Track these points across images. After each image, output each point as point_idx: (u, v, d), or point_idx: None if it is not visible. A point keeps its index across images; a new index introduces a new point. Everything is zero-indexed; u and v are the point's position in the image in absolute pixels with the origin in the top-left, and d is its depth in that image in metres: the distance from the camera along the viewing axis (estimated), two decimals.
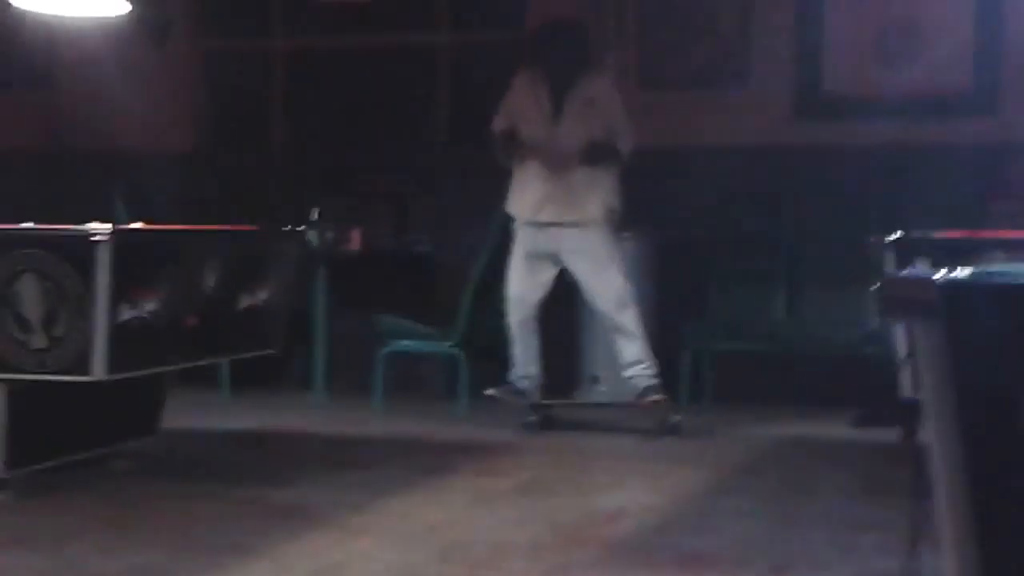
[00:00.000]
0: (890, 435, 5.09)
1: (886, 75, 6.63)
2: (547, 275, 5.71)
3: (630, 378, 5.67)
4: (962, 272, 1.81)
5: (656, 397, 5.60)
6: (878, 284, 1.82)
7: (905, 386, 3.99)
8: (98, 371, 3.96)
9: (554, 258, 5.69)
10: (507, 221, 5.90)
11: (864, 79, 6.67)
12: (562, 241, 5.65)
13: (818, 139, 6.69)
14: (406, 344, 6.48)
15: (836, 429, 5.83)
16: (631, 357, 5.63)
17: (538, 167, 5.65)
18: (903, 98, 6.56)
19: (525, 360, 5.74)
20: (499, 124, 5.74)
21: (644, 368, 5.61)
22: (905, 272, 1.84)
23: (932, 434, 2.02)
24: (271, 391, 6.78)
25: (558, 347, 6.41)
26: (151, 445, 4.89)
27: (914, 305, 1.75)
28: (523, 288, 5.70)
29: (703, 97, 6.86)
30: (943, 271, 1.79)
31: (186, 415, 5.57)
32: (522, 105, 5.74)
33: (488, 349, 6.14)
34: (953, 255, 3.84)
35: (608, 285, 5.60)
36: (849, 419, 5.86)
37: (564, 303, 6.05)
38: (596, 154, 5.60)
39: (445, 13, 7.40)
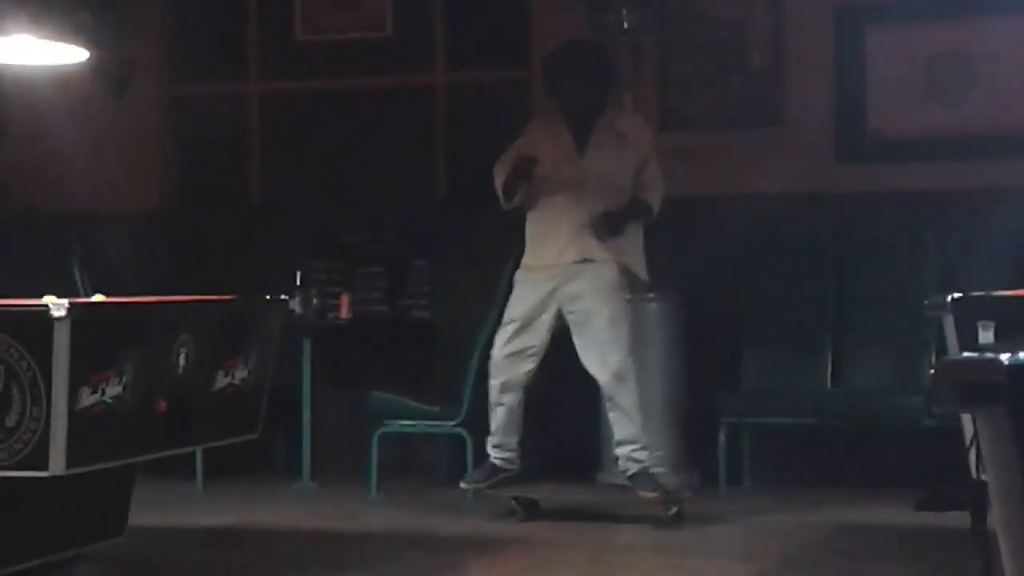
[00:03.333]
0: (957, 519, 5.06)
1: (938, 112, 6.68)
2: (547, 335, 5.72)
3: (617, 458, 5.73)
4: None
5: (649, 494, 5.61)
6: (937, 367, 1.84)
7: (972, 466, 3.98)
8: (56, 465, 3.95)
9: (555, 317, 5.70)
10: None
11: (913, 117, 6.72)
12: (567, 294, 5.67)
13: (863, 185, 6.72)
14: (403, 424, 6.49)
15: (893, 513, 5.81)
16: (622, 435, 5.68)
17: (562, 205, 5.69)
18: (958, 138, 6.61)
19: (506, 428, 5.75)
20: (507, 157, 5.77)
21: (634, 450, 5.64)
22: (968, 354, 1.85)
23: (999, 523, 2.02)
24: (251, 481, 6.77)
25: (578, 423, 6.43)
26: (118, 547, 4.88)
27: (978, 390, 1.76)
28: (517, 345, 5.71)
29: (732, 139, 6.90)
30: (1007, 354, 1.80)
31: (156, 511, 5.57)
32: (538, 142, 5.77)
33: None
34: (1020, 317, 3.87)
35: (607, 356, 5.64)
36: (912, 501, 5.84)
37: (584, 375, 6.06)
38: (614, 221, 5.63)
39: (442, 52, 7.47)
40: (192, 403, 4.58)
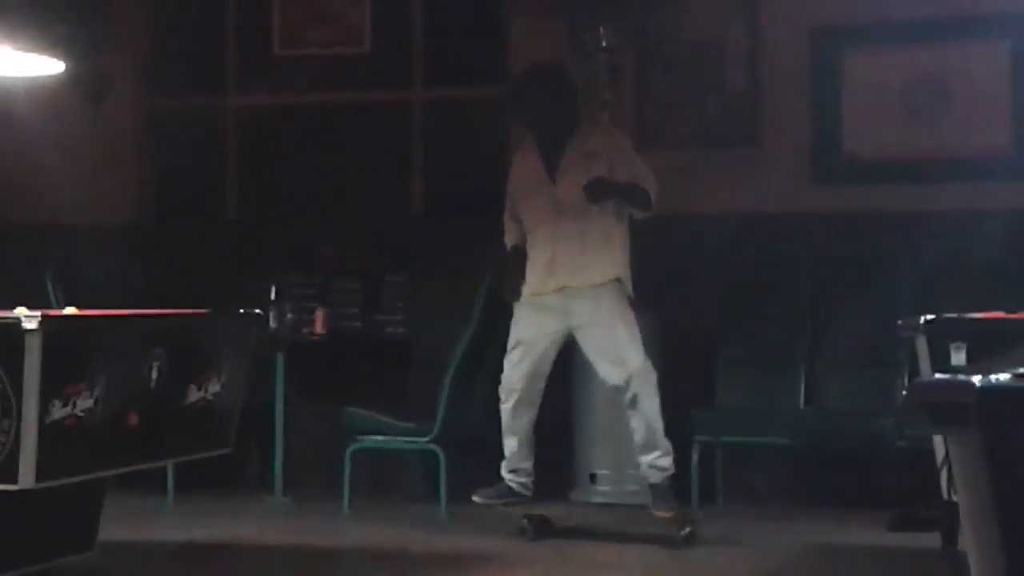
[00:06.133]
0: (929, 540, 5.09)
1: (913, 134, 6.72)
2: (550, 355, 5.70)
3: (639, 464, 5.64)
4: (1000, 375, 1.84)
5: (664, 514, 5.55)
6: (908, 388, 1.84)
7: (944, 487, 4.00)
8: (26, 479, 3.94)
9: (564, 333, 5.69)
10: (492, 297, 5.92)
11: (889, 139, 6.75)
12: (572, 310, 5.64)
13: (838, 206, 6.74)
14: (377, 440, 6.47)
15: (866, 533, 5.82)
16: (644, 441, 5.60)
17: (541, 235, 5.69)
18: (933, 160, 6.65)
19: (521, 452, 5.71)
20: (508, 232, 5.80)
21: (658, 457, 5.57)
22: (940, 376, 1.86)
23: (970, 544, 2.03)
24: (223, 496, 6.73)
25: (551, 441, 6.42)
26: (88, 562, 4.85)
27: (950, 412, 1.77)
28: (527, 368, 5.67)
29: (708, 159, 6.92)
30: (978, 376, 1.81)
31: (126, 525, 5.53)
32: (519, 183, 5.82)
33: (471, 445, 6.13)
34: (991, 339, 3.90)
35: (628, 358, 5.57)
36: (884, 522, 5.86)
37: (557, 393, 6.05)
38: (600, 190, 5.56)
39: (419, 68, 7.47)
40: (164, 417, 4.56)
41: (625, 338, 5.59)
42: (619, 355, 5.58)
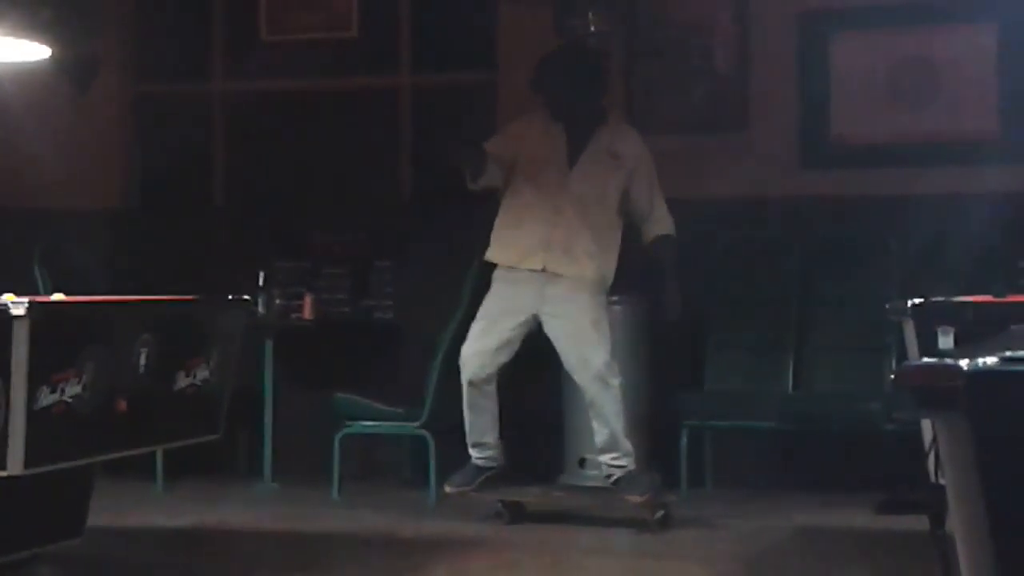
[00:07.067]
0: (916, 523, 5.10)
1: (900, 118, 6.73)
2: (515, 334, 5.65)
3: (600, 464, 5.68)
4: (988, 359, 1.84)
5: (636, 498, 5.55)
6: (896, 372, 1.85)
7: (931, 470, 4.01)
8: (14, 465, 3.93)
9: (531, 316, 5.66)
10: (481, 281, 5.91)
11: (876, 123, 6.76)
12: (546, 296, 5.63)
13: (826, 189, 6.75)
14: (366, 425, 6.47)
15: (854, 517, 5.84)
16: (601, 443, 5.62)
17: (539, 212, 5.64)
18: (920, 143, 6.66)
19: (480, 428, 5.68)
20: (492, 144, 5.69)
21: (614, 458, 5.58)
22: (927, 360, 1.86)
23: (958, 528, 2.04)
24: (212, 482, 6.74)
25: (541, 426, 6.43)
26: (77, 548, 4.85)
27: (937, 396, 1.78)
28: (483, 343, 5.64)
29: (697, 143, 6.92)
30: (965, 360, 1.82)
31: (115, 511, 5.54)
32: (531, 139, 5.71)
33: (460, 430, 6.12)
34: (979, 323, 3.91)
35: (589, 358, 5.58)
36: (872, 505, 5.87)
37: (547, 378, 6.06)
38: (675, 304, 5.73)
39: (407, 53, 7.46)
40: (153, 403, 4.56)
41: (591, 339, 5.58)
42: (584, 356, 5.58)
